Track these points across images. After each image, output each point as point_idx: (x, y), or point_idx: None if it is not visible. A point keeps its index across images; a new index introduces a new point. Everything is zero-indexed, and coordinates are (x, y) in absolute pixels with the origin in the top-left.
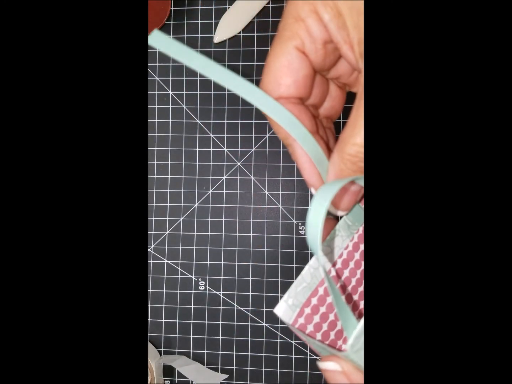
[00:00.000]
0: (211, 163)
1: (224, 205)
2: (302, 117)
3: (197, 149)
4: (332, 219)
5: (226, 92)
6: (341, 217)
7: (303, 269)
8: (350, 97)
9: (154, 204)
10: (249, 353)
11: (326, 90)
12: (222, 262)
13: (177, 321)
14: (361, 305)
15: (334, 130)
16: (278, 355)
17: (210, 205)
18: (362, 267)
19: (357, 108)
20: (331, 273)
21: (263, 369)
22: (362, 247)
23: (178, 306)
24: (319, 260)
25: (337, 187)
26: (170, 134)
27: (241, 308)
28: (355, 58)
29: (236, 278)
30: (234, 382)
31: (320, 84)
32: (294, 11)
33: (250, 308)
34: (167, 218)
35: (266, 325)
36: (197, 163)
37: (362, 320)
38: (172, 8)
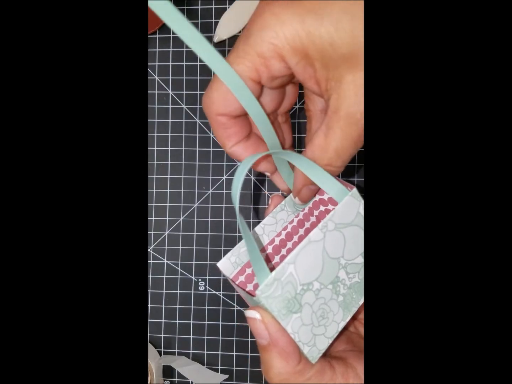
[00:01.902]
0: (211, 163)
1: (224, 205)
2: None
3: (197, 149)
4: (280, 195)
5: None
6: (288, 195)
7: None
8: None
9: (154, 204)
10: (249, 354)
11: (283, 97)
12: None
13: (177, 321)
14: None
15: (290, 122)
16: None
17: (210, 205)
18: None
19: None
20: (274, 242)
21: None
22: (307, 224)
23: (178, 306)
24: (237, 215)
25: (256, 157)
26: (170, 134)
27: (241, 308)
28: (320, 91)
29: None
30: (234, 382)
31: (277, 96)
32: (258, 47)
33: None
34: (167, 218)
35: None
36: (197, 163)
37: (274, 272)
38: None
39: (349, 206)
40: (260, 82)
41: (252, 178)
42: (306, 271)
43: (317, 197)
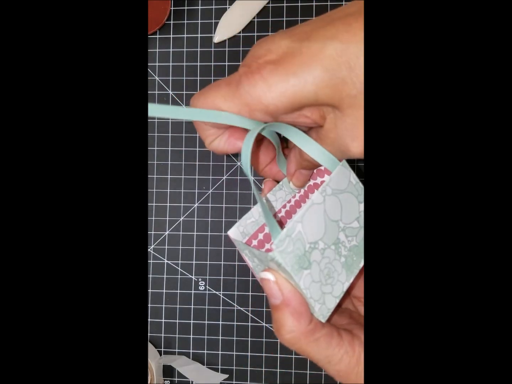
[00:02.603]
0: (211, 163)
1: (224, 205)
2: None
3: (197, 149)
4: (272, 181)
5: None
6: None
7: (253, 207)
8: None
9: (154, 204)
10: (249, 353)
11: None
12: (222, 262)
13: (177, 321)
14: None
15: None
16: (278, 355)
17: (210, 205)
18: None
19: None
20: (276, 218)
21: (263, 369)
22: (303, 205)
23: (178, 306)
24: (251, 184)
25: (255, 132)
26: (170, 134)
27: (241, 308)
28: (315, 122)
29: (236, 278)
30: (234, 382)
31: None
32: (247, 100)
33: (250, 308)
34: (167, 218)
35: (266, 325)
36: (197, 163)
37: (285, 229)
38: (172, 8)
39: (341, 175)
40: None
41: (252, 178)
42: (311, 230)
43: (312, 182)
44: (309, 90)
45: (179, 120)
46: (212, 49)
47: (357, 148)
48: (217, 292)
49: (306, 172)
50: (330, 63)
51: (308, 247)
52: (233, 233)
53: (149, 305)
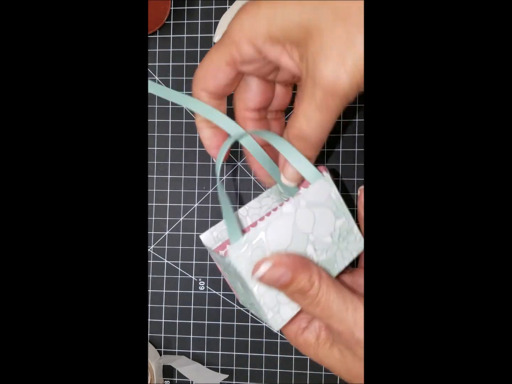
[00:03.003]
0: (211, 163)
1: None
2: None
3: (197, 149)
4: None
5: None
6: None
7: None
8: None
9: (154, 204)
10: (249, 353)
11: (272, 95)
12: None
13: (177, 321)
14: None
15: (284, 119)
16: (278, 355)
17: (210, 205)
18: None
19: (298, 99)
20: (256, 225)
21: (263, 369)
22: (272, 213)
23: (178, 306)
24: (218, 187)
25: (232, 141)
26: (170, 134)
27: (241, 308)
28: (295, 67)
29: None
30: (234, 382)
31: (264, 91)
32: (232, 35)
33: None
34: (167, 218)
35: (266, 325)
36: (197, 163)
37: (245, 235)
38: (172, 8)
39: (321, 189)
40: (235, 65)
41: (252, 178)
42: (276, 240)
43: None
44: (292, 12)
45: (172, 102)
46: None
47: (331, 71)
48: (217, 292)
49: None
50: None
51: (269, 255)
52: (205, 237)
53: (149, 305)
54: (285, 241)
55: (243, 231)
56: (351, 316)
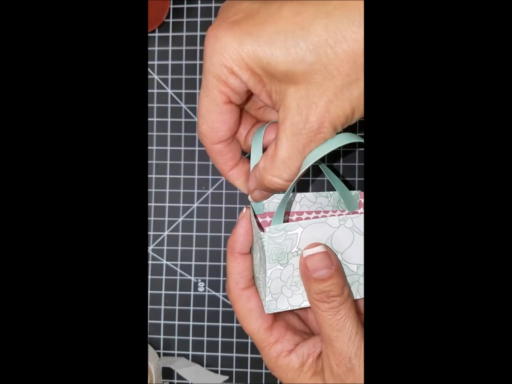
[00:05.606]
0: (210, 162)
1: (223, 205)
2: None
3: (197, 148)
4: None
5: None
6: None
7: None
8: None
9: (153, 204)
10: (249, 355)
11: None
12: (222, 263)
13: (176, 322)
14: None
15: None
16: None
17: (209, 205)
18: None
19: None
20: (302, 215)
21: (263, 370)
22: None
23: (177, 307)
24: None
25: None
26: (169, 133)
27: None
28: (273, 103)
29: None
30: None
31: (237, 119)
32: (214, 72)
33: None
34: (166, 219)
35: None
36: (196, 162)
37: (286, 224)
38: (171, 6)
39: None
40: (231, 101)
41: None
42: (308, 241)
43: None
44: (262, 52)
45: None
46: None
47: (317, 114)
48: (216, 293)
49: (266, 193)
50: (284, 24)
51: (295, 250)
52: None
53: (148, 306)
54: None
55: (286, 213)
56: (357, 341)
